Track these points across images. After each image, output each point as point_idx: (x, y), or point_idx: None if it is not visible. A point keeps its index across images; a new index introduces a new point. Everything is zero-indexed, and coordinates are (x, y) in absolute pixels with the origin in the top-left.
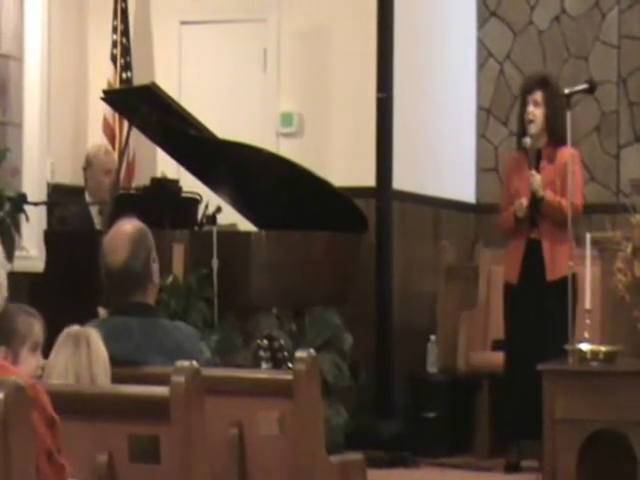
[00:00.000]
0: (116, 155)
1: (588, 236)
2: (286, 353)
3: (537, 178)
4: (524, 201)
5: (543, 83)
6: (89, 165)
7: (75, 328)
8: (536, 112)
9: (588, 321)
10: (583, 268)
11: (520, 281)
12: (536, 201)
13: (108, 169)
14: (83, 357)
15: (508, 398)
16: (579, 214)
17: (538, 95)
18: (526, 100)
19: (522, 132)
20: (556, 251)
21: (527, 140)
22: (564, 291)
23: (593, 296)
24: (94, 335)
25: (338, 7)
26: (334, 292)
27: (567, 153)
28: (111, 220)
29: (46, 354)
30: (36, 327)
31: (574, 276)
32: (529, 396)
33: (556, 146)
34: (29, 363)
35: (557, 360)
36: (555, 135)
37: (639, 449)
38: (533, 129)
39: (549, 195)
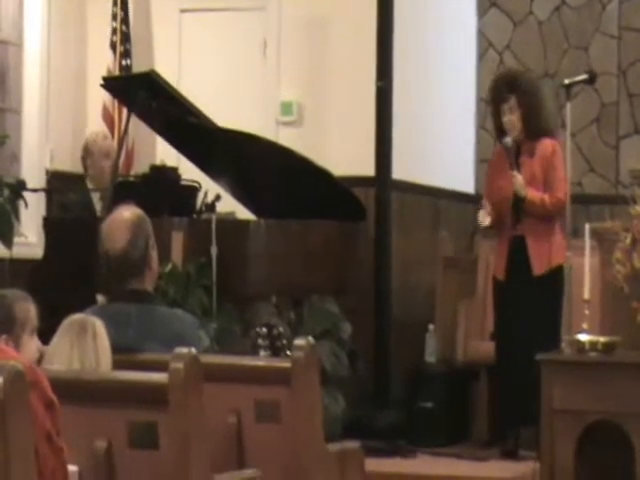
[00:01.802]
0: (115, 142)
1: (587, 227)
2: (285, 341)
3: (519, 179)
4: (483, 217)
5: (514, 86)
6: (88, 153)
7: (80, 316)
8: (513, 118)
9: (587, 312)
10: (582, 259)
11: (507, 276)
12: (518, 200)
13: (107, 152)
14: (89, 346)
15: (499, 389)
16: (563, 207)
17: (512, 101)
18: (500, 109)
19: (501, 129)
20: (541, 245)
21: (508, 140)
22: (552, 284)
23: (592, 287)
24: (99, 324)
25: None
26: (333, 281)
27: (548, 145)
28: (110, 208)
29: (44, 340)
30: (32, 311)
31: (562, 267)
32: (520, 387)
33: (534, 139)
34: (30, 348)
35: (553, 351)
36: (532, 130)
37: (637, 440)
38: (514, 134)
39: (530, 194)
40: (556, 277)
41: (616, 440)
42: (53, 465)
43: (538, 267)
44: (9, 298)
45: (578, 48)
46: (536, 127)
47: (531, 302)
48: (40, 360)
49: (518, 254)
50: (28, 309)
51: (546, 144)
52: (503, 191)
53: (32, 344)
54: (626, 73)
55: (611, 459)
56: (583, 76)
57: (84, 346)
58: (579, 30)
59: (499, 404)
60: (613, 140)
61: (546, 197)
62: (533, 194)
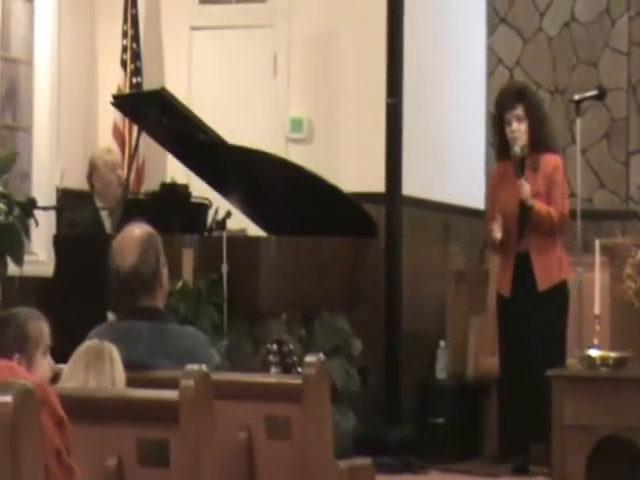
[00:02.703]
0: (126, 160)
1: (597, 242)
2: (295, 358)
3: (526, 187)
4: (495, 227)
5: (522, 96)
6: (94, 168)
7: (96, 342)
8: (521, 127)
9: (597, 327)
10: (592, 274)
11: (512, 293)
12: (525, 210)
13: (112, 165)
14: (106, 371)
15: (506, 406)
16: (567, 223)
17: (519, 110)
18: (506, 117)
19: (503, 146)
20: (545, 261)
21: (517, 149)
22: (556, 299)
23: (602, 302)
24: (115, 351)
25: (348, 12)
26: (343, 297)
27: (552, 160)
28: (120, 225)
29: (54, 358)
30: (45, 330)
31: (565, 283)
32: (528, 403)
33: (539, 154)
34: (43, 367)
35: (561, 367)
36: (538, 144)
37: None
38: (520, 143)
39: (538, 204)
40: (560, 293)
41: (627, 455)
42: None
43: (542, 283)
44: (22, 317)
45: (588, 64)
46: (541, 140)
47: (536, 318)
48: (55, 379)
49: (523, 270)
50: (41, 328)
51: (549, 159)
52: (508, 207)
53: (45, 363)
54: (636, 88)
55: (622, 474)
56: (593, 92)
57: (100, 371)
58: (589, 46)
59: (507, 421)
60: (623, 156)
61: (552, 210)
62: (540, 205)
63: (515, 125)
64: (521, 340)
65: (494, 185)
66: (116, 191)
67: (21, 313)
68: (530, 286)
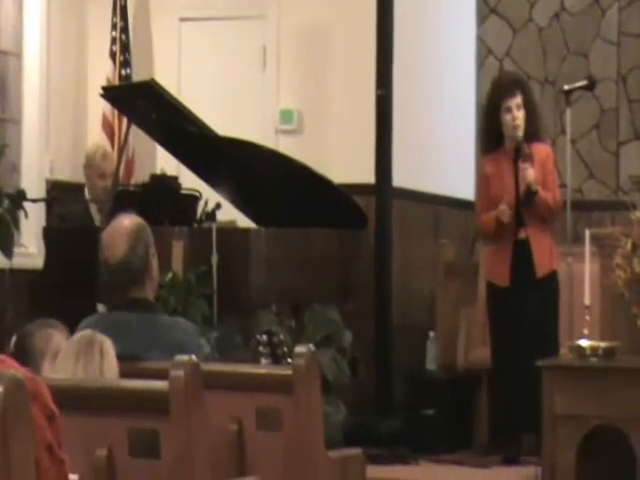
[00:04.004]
0: (115, 153)
1: (587, 232)
2: (285, 348)
3: (531, 172)
4: (506, 207)
5: (521, 85)
6: (86, 165)
7: (89, 332)
8: (520, 115)
9: (587, 317)
10: (582, 265)
11: (511, 282)
12: (528, 197)
13: (103, 173)
14: (95, 361)
15: (501, 395)
16: (561, 211)
17: (519, 98)
18: (506, 105)
19: (495, 136)
20: (543, 248)
21: (519, 135)
22: (552, 287)
23: (592, 292)
24: (108, 343)
25: (337, 4)
26: (333, 288)
27: (544, 150)
28: (110, 217)
29: None
30: (55, 337)
31: (556, 273)
32: (523, 392)
33: (530, 143)
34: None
35: (553, 357)
36: (531, 132)
37: (638, 444)
38: (520, 132)
39: (541, 190)
40: (555, 281)
41: (617, 445)
42: (54, 477)
43: (541, 270)
44: (32, 328)
45: (578, 54)
46: (535, 129)
47: (535, 306)
48: None
49: (522, 258)
50: (50, 336)
51: (541, 148)
52: (505, 195)
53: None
54: (626, 79)
55: (612, 464)
56: (583, 82)
57: (90, 361)
58: (579, 36)
59: (500, 410)
60: (613, 146)
61: (549, 196)
62: (542, 191)
63: (516, 112)
64: (518, 329)
65: (487, 175)
66: (102, 196)
67: (31, 326)
68: (529, 273)
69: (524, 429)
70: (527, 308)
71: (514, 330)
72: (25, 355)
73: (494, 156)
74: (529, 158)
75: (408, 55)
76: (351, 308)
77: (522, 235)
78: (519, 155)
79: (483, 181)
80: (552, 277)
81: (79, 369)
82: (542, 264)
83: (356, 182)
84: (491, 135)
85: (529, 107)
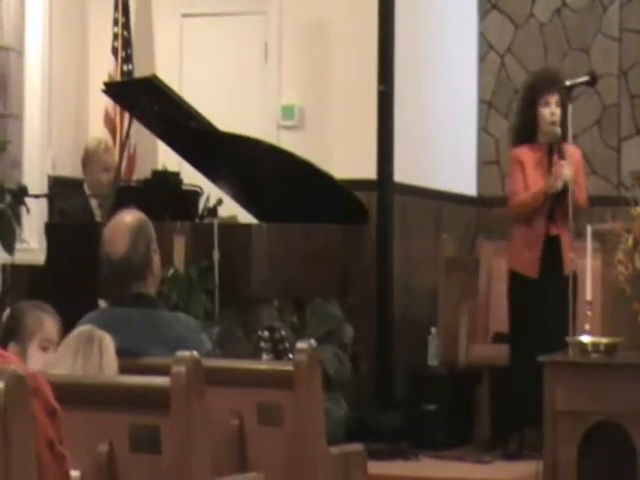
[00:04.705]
0: (117, 148)
1: (589, 228)
2: (287, 344)
3: (567, 169)
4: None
5: (560, 83)
6: (88, 161)
7: (88, 327)
8: (558, 112)
9: (589, 313)
10: (584, 261)
11: (540, 275)
12: (563, 193)
13: (107, 167)
14: (94, 357)
15: (516, 389)
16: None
17: (557, 97)
18: (545, 99)
19: (530, 129)
20: (571, 245)
21: (558, 130)
22: (573, 284)
23: (594, 288)
24: (108, 339)
25: (339, 0)
26: (335, 284)
27: (576, 150)
28: (112, 213)
29: None
30: (47, 323)
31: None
32: (537, 386)
33: (563, 142)
34: (36, 359)
35: (559, 352)
36: (565, 131)
37: (639, 440)
38: (557, 129)
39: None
40: (575, 280)
41: (618, 440)
42: (55, 473)
43: (569, 266)
44: (26, 307)
45: (579, 50)
46: (567, 131)
47: (559, 301)
48: None
49: (552, 253)
50: (42, 320)
51: (573, 149)
52: (536, 185)
53: (38, 356)
54: (627, 75)
55: (613, 459)
56: (584, 78)
57: (89, 356)
58: (580, 32)
59: (512, 404)
60: (614, 142)
61: (580, 197)
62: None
63: (554, 108)
64: (540, 321)
65: (522, 164)
66: (105, 190)
67: (25, 304)
68: (557, 269)
69: (532, 422)
70: (551, 302)
71: (537, 322)
72: (15, 331)
73: (528, 148)
74: (564, 156)
75: (409, 51)
76: (352, 303)
77: (554, 231)
78: (554, 151)
79: (518, 167)
80: (575, 276)
81: (78, 365)
82: (569, 260)
83: (357, 177)
84: (526, 127)
85: (564, 106)
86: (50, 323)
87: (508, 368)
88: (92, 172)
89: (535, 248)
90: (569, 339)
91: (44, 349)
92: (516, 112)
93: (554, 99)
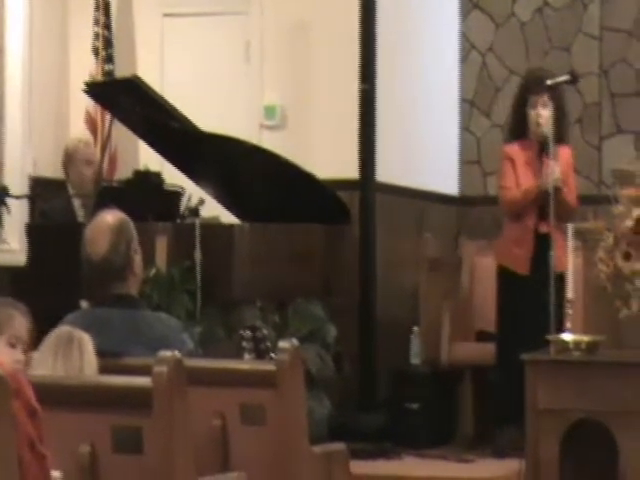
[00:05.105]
0: (98, 148)
1: (570, 227)
2: (269, 344)
3: (557, 169)
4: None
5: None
6: (69, 159)
7: (67, 328)
8: (544, 114)
9: (570, 311)
10: (566, 259)
11: (531, 273)
12: (553, 193)
13: (89, 160)
14: (74, 357)
15: (502, 386)
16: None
17: (546, 97)
18: (532, 100)
19: (521, 127)
20: (563, 244)
21: (545, 130)
22: (562, 284)
23: (575, 286)
24: (87, 339)
25: None
26: (317, 284)
27: (567, 152)
28: (94, 213)
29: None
30: (17, 320)
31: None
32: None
33: (556, 143)
34: (4, 354)
35: (541, 350)
36: (559, 132)
37: (620, 437)
38: (543, 130)
39: (565, 188)
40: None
41: (600, 438)
42: (36, 472)
43: (560, 265)
44: None
45: (560, 49)
46: (562, 131)
47: (548, 299)
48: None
49: (542, 251)
50: (11, 316)
51: (565, 151)
52: (525, 183)
53: (7, 352)
54: (608, 73)
55: (595, 457)
56: (565, 77)
57: (69, 357)
58: (561, 31)
59: (500, 401)
60: (596, 140)
61: (570, 198)
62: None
63: (541, 110)
64: (531, 319)
65: (513, 160)
66: (90, 186)
67: None
68: (547, 267)
69: (514, 420)
70: (542, 299)
71: (524, 319)
72: None
73: (519, 145)
74: (553, 156)
75: (391, 50)
76: (335, 303)
77: (544, 229)
78: (544, 151)
79: (509, 163)
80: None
81: (58, 365)
82: (561, 260)
83: (340, 177)
84: (518, 126)
85: (558, 107)
86: (20, 320)
87: (493, 366)
88: (75, 169)
89: (525, 245)
90: (550, 337)
91: (12, 345)
92: (510, 110)
93: (540, 100)
